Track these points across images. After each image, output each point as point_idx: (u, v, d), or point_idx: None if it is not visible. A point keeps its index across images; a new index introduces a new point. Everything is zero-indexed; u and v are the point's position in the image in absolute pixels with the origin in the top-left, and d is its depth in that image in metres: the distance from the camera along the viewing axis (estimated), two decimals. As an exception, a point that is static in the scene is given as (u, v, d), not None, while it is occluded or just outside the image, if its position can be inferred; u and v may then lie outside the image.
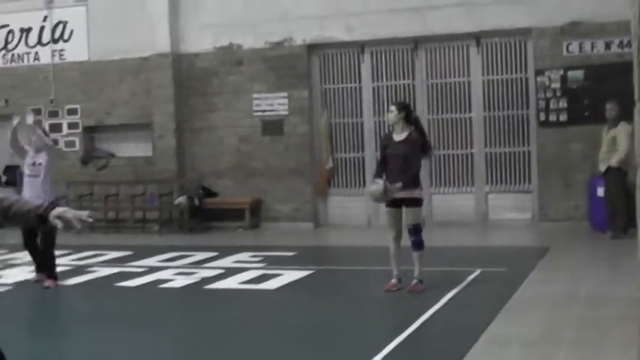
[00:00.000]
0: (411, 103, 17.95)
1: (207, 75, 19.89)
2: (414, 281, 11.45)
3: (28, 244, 13.05)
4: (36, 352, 9.41)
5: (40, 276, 13.04)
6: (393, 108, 11.63)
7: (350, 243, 17.11)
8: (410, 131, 11.43)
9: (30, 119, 13.29)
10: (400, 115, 11.49)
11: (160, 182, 19.95)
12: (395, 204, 11.39)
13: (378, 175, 11.62)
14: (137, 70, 20.38)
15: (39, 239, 12.87)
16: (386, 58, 18.91)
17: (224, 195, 19.78)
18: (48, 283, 12.79)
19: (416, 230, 11.38)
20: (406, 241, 11.49)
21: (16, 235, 18.66)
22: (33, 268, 13.38)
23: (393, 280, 11.58)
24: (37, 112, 21.33)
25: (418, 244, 11.39)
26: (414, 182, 11.30)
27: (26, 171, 13.01)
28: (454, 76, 18.52)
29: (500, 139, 18.25)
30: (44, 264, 13.00)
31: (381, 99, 18.80)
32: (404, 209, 11.36)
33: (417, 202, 11.40)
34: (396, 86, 18.82)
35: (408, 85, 18.73)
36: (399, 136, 11.48)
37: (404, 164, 11.27)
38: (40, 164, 12.84)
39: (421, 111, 18.27)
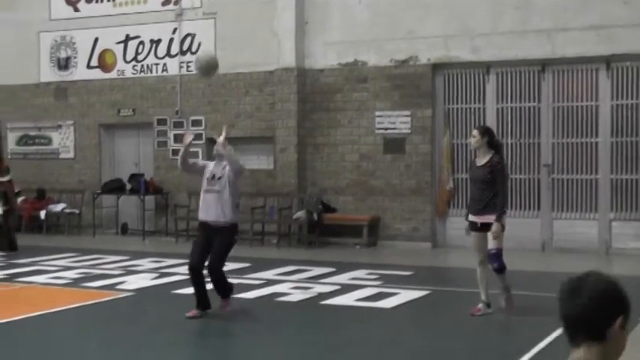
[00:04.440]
0: (536, 126, 17.74)
1: (331, 91, 19.96)
2: (504, 296, 11.45)
3: (197, 279, 11.45)
4: None
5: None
6: (475, 132, 11.49)
7: (469, 265, 16.79)
8: (491, 156, 11.29)
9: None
10: (483, 140, 11.35)
11: (280, 196, 20.11)
12: (479, 228, 11.33)
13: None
14: (262, 83, 20.59)
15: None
16: (512, 79, 18.67)
17: (343, 211, 19.80)
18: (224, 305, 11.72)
19: (496, 256, 11.21)
20: (509, 265, 11.34)
21: (137, 242, 18.80)
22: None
23: (480, 305, 11.45)
24: (163, 122, 21.73)
25: (499, 270, 11.25)
26: (492, 207, 11.14)
27: (205, 186, 11.55)
28: (581, 100, 18.17)
29: (627, 166, 17.82)
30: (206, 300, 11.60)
31: (505, 120, 18.58)
32: (488, 234, 11.22)
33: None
34: (520, 108, 18.55)
35: (534, 107, 18.45)
36: (480, 161, 11.39)
37: (482, 189, 11.23)
38: (220, 178, 11.40)
39: (546, 134, 18.00)
